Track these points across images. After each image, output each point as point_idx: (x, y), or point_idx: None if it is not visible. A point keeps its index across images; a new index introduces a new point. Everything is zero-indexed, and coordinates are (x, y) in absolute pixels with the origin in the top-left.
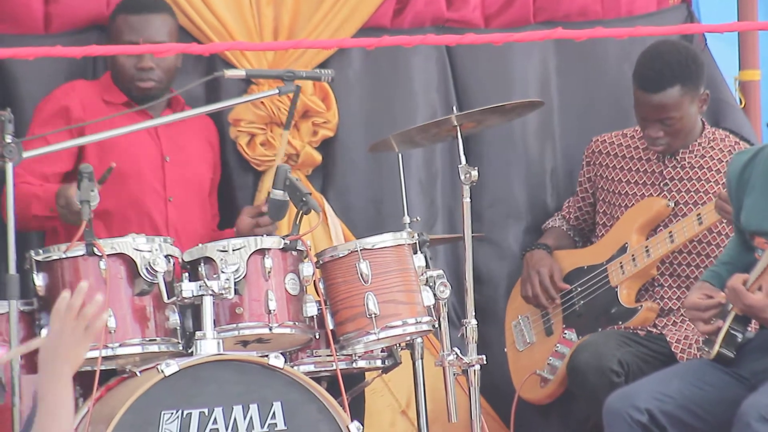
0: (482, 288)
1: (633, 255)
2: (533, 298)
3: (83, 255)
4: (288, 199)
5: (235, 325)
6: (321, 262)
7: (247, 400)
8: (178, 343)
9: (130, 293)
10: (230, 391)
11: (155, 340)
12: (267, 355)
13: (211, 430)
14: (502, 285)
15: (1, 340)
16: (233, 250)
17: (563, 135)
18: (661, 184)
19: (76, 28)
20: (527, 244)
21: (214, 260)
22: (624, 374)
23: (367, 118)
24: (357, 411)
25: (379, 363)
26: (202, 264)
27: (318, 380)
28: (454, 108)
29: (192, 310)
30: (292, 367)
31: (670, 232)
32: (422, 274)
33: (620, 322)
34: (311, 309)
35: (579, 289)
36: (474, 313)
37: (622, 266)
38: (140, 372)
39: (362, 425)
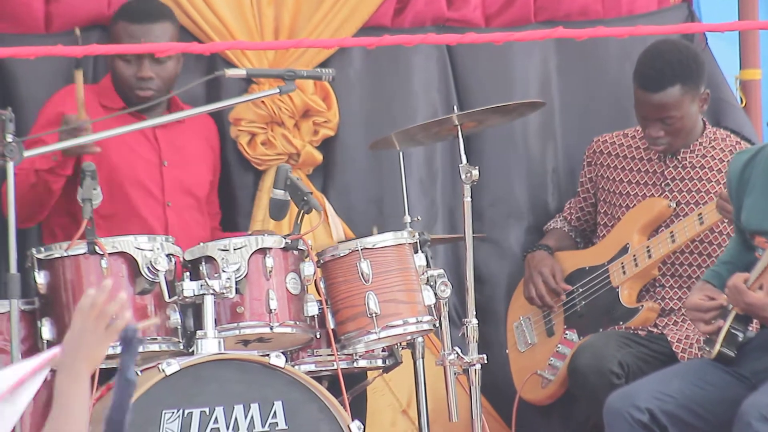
0: (483, 287)
1: (634, 255)
2: (538, 299)
3: (84, 253)
4: (289, 198)
5: (236, 325)
6: (322, 261)
7: (248, 399)
8: (179, 342)
9: (131, 292)
10: (231, 390)
11: (156, 339)
12: (268, 355)
13: (212, 429)
14: (502, 284)
15: (2, 339)
16: (234, 249)
17: (564, 134)
18: (663, 184)
19: (77, 27)
20: (528, 244)
21: (215, 259)
22: (624, 375)
23: (368, 117)
24: (359, 410)
25: (380, 362)
26: (204, 263)
27: (319, 380)
28: (455, 107)
29: (193, 309)
30: (293, 366)
31: (672, 232)
32: (423, 274)
33: (621, 323)
34: (312, 308)
35: (580, 290)
36: (475, 313)
37: (623, 267)
38: (141, 371)
39: (364, 424)
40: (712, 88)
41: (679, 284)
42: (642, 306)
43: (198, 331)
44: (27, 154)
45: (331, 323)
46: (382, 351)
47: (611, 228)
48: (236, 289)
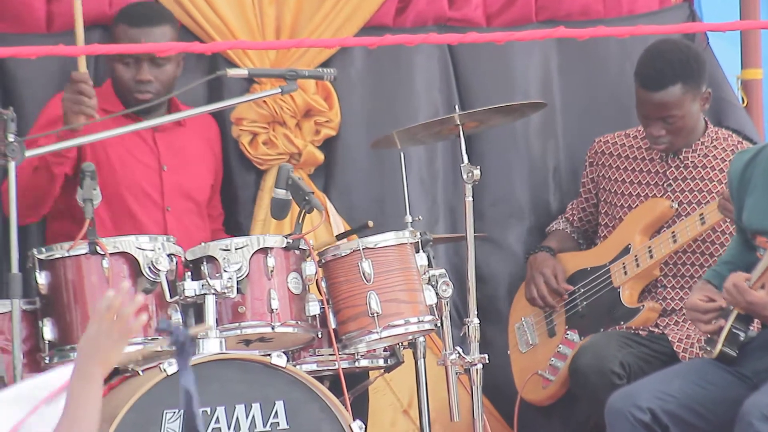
0: (484, 287)
1: (636, 256)
2: (539, 299)
3: (86, 254)
4: (290, 198)
5: (237, 324)
6: (323, 261)
7: (249, 399)
8: None
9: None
10: (233, 390)
11: (158, 339)
12: (269, 354)
13: (213, 429)
14: (504, 284)
15: (4, 339)
16: (236, 249)
17: (565, 134)
18: (665, 184)
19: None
20: (529, 244)
21: (216, 259)
22: (626, 376)
23: (370, 117)
24: (360, 410)
25: (381, 362)
26: (205, 263)
27: (320, 379)
28: (457, 107)
29: (194, 309)
30: (294, 366)
31: (673, 232)
32: (424, 273)
33: (622, 323)
34: (314, 308)
35: (582, 290)
36: (476, 313)
37: (624, 267)
38: (143, 371)
39: (365, 424)
40: (713, 88)
41: (680, 284)
42: (643, 306)
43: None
44: (28, 153)
45: (332, 323)
46: (384, 351)
47: (613, 228)
48: (238, 288)
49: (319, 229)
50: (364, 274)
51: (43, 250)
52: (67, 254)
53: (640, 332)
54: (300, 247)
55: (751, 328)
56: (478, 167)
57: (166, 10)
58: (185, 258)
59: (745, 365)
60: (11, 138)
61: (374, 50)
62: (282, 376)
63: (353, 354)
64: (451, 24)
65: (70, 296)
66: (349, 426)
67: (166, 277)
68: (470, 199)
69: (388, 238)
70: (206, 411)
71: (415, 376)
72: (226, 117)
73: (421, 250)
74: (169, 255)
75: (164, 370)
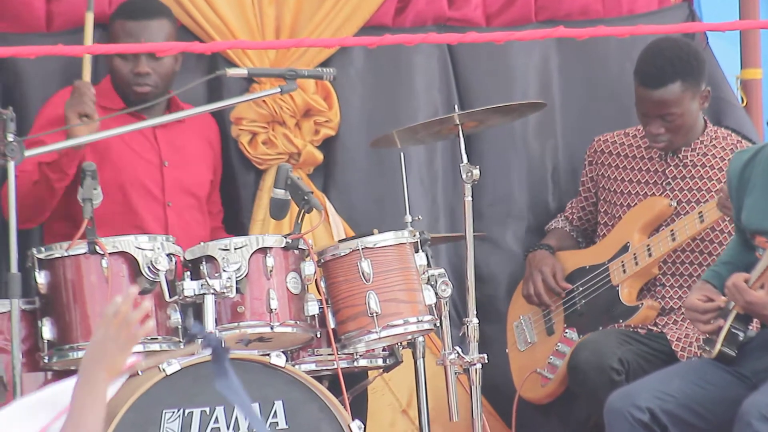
0: (483, 287)
1: (634, 254)
2: (535, 297)
3: (85, 253)
4: (289, 198)
5: (236, 324)
6: (322, 260)
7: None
8: (180, 342)
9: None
10: None
11: (157, 338)
12: (268, 354)
13: (212, 429)
14: (503, 284)
15: (3, 339)
16: (235, 249)
17: (565, 134)
18: (664, 183)
19: (78, 26)
20: (528, 243)
21: (215, 259)
22: (624, 372)
23: (369, 116)
24: (360, 410)
25: (380, 362)
26: (204, 262)
27: (319, 379)
28: (456, 107)
29: (193, 308)
30: (293, 366)
31: (672, 230)
32: (423, 273)
33: (621, 320)
34: (313, 308)
35: (580, 289)
36: (475, 312)
37: (623, 265)
38: (142, 371)
39: (364, 424)
40: (712, 88)
41: (679, 283)
42: (642, 304)
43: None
44: (28, 153)
45: (331, 323)
46: (383, 350)
47: (612, 227)
48: (237, 288)
49: (319, 231)
50: (363, 273)
51: (43, 249)
52: (66, 254)
53: (639, 330)
54: (299, 246)
55: (750, 327)
56: (478, 167)
57: (162, 5)
58: (184, 258)
59: (745, 365)
60: (10, 138)
61: (374, 50)
62: (281, 376)
63: (352, 354)
64: (451, 24)
65: (69, 296)
66: (348, 426)
67: (165, 277)
68: (469, 198)
69: (387, 238)
70: (205, 411)
71: (414, 375)
72: (226, 116)
73: (420, 250)
74: (168, 255)
75: (163, 370)
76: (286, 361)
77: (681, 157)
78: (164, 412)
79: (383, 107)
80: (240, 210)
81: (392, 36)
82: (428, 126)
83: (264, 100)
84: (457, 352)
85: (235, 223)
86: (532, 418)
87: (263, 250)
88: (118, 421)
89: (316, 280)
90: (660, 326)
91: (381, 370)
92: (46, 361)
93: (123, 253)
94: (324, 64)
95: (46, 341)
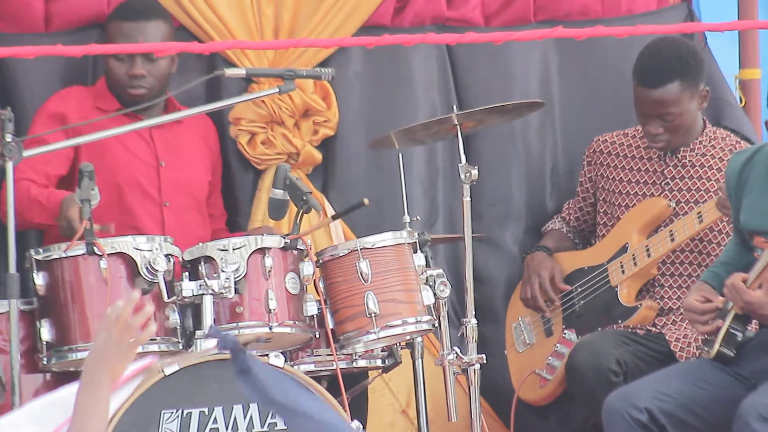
0: (482, 287)
1: (633, 255)
2: (531, 301)
3: (83, 254)
4: (288, 198)
5: (235, 325)
6: (321, 261)
7: (247, 399)
8: (178, 342)
9: (130, 293)
10: (230, 390)
11: (155, 339)
12: (267, 355)
13: (211, 429)
14: (501, 284)
15: (2, 339)
16: (233, 249)
17: (563, 134)
18: (662, 184)
19: (77, 26)
20: (526, 244)
21: (214, 259)
22: (622, 373)
23: (368, 116)
24: (358, 410)
25: (379, 362)
26: (203, 263)
27: (318, 380)
28: (455, 107)
29: (192, 309)
30: (292, 366)
31: (671, 231)
32: (422, 274)
33: (620, 321)
34: (311, 308)
35: (579, 290)
36: (474, 313)
37: (622, 266)
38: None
39: (364, 424)
40: (711, 88)
41: (678, 284)
42: (641, 305)
43: (197, 331)
44: (26, 153)
45: (330, 323)
46: (382, 351)
47: (611, 228)
48: (235, 289)
49: (318, 233)
50: (361, 274)
51: (41, 250)
52: (64, 255)
53: (638, 331)
54: (298, 247)
55: (749, 328)
56: (476, 167)
57: (159, 6)
58: (183, 258)
59: (743, 365)
60: (9, 138)
61: (372, 50)
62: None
63: (351, 354)
64: (450, 24)
65: (67, 297)
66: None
67: (164, 278)
68: (468, 199)
69: (385, 239)
70: (204, 411)
71: (412, 376)
72: (224, 117)
73: (419, 251)
74: (166, 255)
75: (162, 371)
76: (285, 361)
77: (680, 157)
78: (163, 412)
79: (382, 107)
80: (238, 210)
81: (391, 36)
82: (427, 126)
83: (263, 100)
84: (456, 353)
85: (234, 223)
86: (530, 419)
87: (262, 251)
88: (116, 422)
89: (314, 280)
90: (659, 327)
91: (380, 371)
92: (44, 362)
93: (121, 254)
94: (322, 64)
95: (44, 342)
